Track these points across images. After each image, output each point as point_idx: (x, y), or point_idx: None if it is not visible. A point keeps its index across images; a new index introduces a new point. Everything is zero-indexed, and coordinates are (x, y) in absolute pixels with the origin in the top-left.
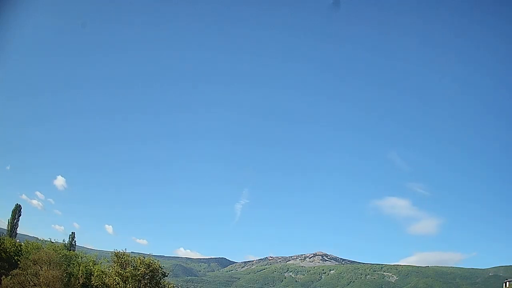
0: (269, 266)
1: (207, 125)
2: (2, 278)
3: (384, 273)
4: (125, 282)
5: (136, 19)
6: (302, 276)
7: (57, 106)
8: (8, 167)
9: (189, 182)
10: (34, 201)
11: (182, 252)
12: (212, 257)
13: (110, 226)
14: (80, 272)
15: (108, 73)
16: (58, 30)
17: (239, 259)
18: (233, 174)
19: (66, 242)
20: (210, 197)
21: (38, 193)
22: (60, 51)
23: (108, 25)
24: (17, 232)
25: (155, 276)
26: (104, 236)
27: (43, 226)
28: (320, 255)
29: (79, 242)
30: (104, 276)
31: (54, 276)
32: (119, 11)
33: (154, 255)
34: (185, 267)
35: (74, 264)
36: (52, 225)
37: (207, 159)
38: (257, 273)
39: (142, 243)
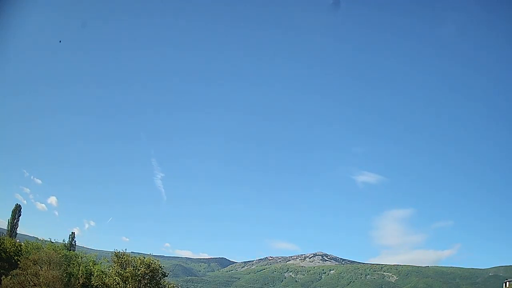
0: (269, 266)
1: (204, 124)
2: (2, 278)
3: (384, 273)
4: (125, 282)
5: (136, 18)
6: (302, 276)
7: (52, 102)
8: None
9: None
10: (18, 196)
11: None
12: (212, 257)
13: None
14: (80, 272)
15: (102, 70)
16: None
17: (238, 259)
18: (229, 170)
19: (66, 242)
20: (206, 196)
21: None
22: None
23: (106, 24)
24: (17, 232)
25: (155, 276)
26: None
27: (42, 226)
28: (320, 255)
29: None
30: (104, 276)
31: (54, 276)
32: (118, 11)
33: (154, 255)
34: (185, 267)
35: (74, 264)
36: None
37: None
38: (257, 273)
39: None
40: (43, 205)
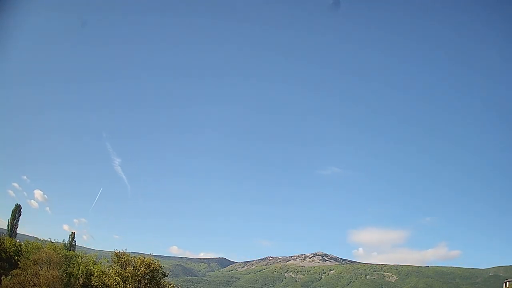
0: (269, 266)
1: (206, 120)
2: (2, 278)
3: (384, 273)
4: (125, 282)
5: (138, 14)
6: (302, 276)
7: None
8: None
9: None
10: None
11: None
12: (212, 257)
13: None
14: (80, 272)
15: (104, 66)
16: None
17: (238, 259)
18: (230, 168)
19: (66, 242)
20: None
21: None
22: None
23: (109, 20)
24: (17, 232)
25: (155, 276)
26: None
27: (42, 226)
28: (320, 255)
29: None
30: (104, 276)
31: (54, 276)
32: (120, 7)
33: (154, 255)
34: (185, 267)
35: (74, 264)
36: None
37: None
38: (257, 273)
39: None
40: (32, 201)
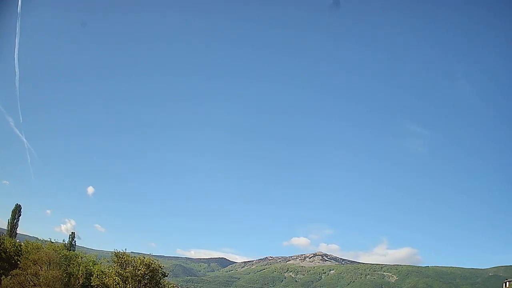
0: (269, 266)
1: (205, 119)
2: (2, 278)
3: (384, 273)
4: (125, 282)
5: (140, 12)
6: (302, 276)
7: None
8: None
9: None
10: None
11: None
12: (212, 257)
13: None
14: (80, 272)
15: (104, 66)
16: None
17: (238, 259)
18: (230, 168)
19: (66, 242)
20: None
21: None
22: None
23: (111, 17)
24: (17, 232)
25: (155, 276)
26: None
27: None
28: (320, 255)
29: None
30: (104, 276)
31: (54, 276)
32: (123, 5)
33: (154, 255)
34: (185, 267)
35: (74, 264)
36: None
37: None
38: (257, 273)
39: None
40: None
